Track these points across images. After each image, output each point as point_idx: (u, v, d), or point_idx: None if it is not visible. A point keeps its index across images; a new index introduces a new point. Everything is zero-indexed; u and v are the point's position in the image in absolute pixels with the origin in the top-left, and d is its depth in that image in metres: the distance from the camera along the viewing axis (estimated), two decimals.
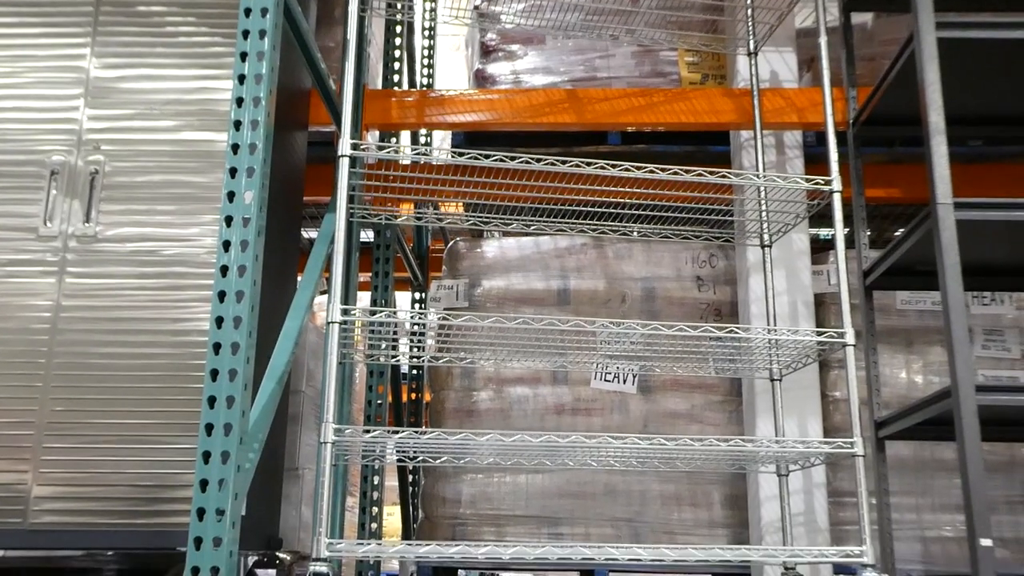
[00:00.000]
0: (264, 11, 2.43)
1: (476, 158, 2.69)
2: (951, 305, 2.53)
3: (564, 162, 2.71)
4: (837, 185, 2.83)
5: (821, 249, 3.92)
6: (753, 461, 2.97)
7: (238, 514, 2.18)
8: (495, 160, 2.69)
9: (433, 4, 4.89)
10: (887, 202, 4.10)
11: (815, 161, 3.84)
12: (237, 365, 2.22)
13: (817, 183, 2.83)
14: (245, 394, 2.24)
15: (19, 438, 2.65)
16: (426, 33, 4.80)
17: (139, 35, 2.90)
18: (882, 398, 3.63)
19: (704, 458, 2.80)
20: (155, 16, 2.91)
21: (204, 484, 2.14)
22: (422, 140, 4.87)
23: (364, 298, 5.70)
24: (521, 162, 2.70)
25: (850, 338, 2.71)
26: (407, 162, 4.00)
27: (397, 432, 2.50)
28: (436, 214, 3.33)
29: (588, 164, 2.71)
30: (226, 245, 2.29)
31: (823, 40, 2.96)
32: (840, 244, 2.80)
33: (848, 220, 4.47)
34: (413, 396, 4.96)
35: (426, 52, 4.90)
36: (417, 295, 4.99)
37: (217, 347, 2.23)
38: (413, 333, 3.10)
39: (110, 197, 2.79)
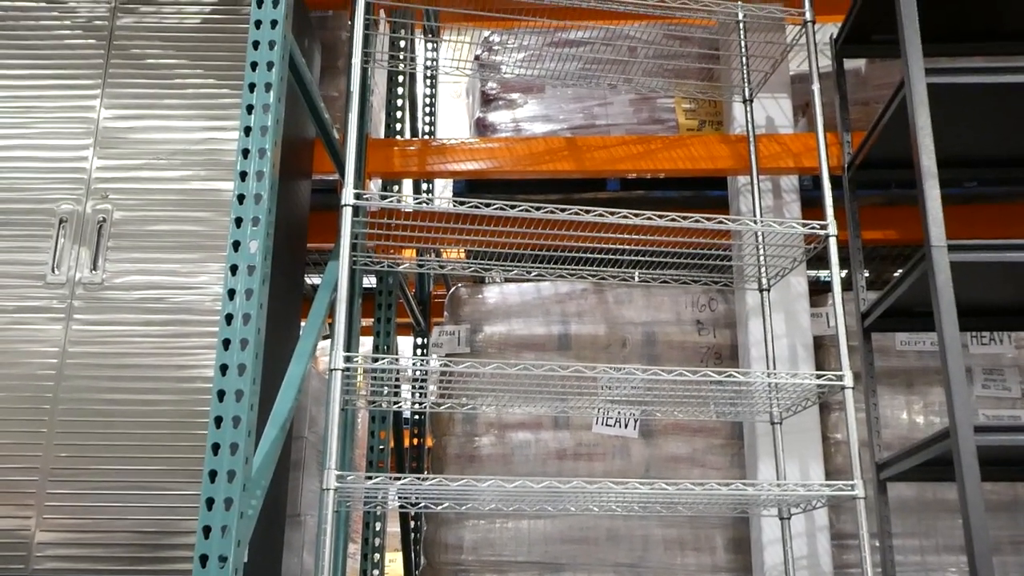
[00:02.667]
0: (270, 64, 2.50)
1: (477, 207, 2.74)
2: (948, 346, 2.56)
3: (563, 210, 2.76)
4: (833, 229, 2.87)
5: (821, 291, 3.95)
6: (755, 505, 2.98)
7: (240, 561, 2.19)
8: (495, 208, 2.74)
9: (435, 55, 4.98)
10: (885, 243, 4.14)
11: (812, 204, 3.88)
12: (241, 412, 2.24)
13: (813, 228, 2.87)
14: (248, 441, 2.26)
15: (23, 484, 2.66)
16: (428, 82, 4.88)
17: (148, 85, 2.97)
18: (883, 439, 3.64)
19: (706, 503, 2.80)
20: (164, 67, 2.97)
21: (207, 531, 2.16)
22: (424, 187, 4.93)
23: (366, 343, 5.72)
24: (521, 210, 2.74)
25: (848, 381, 2.73)
26: (409, 210, 4.05)
27: (399, 479, 2.52)
28: (438, 261, 3.37)
29: (587, 212, 2.76)
30: (231, 294, 2.33)
31: (816, 87, 3.02)
32: (837, 288, 2.84)
33: (846, 262, 4.51)
34: (415, 441, 4.97)
35: (428, 101, 4.97)
36: (419, 340, 5.01)
37: (221, 394, 2.26)
38: (415, 379, 3.12)
39: (118, 245, 2.84)
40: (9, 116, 2.95)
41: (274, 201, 2.45)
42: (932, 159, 2.71)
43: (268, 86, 2.48)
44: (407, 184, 4.87)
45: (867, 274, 4.95)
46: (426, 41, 4.96)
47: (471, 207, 2.74)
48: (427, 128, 4.96)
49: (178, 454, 2.66)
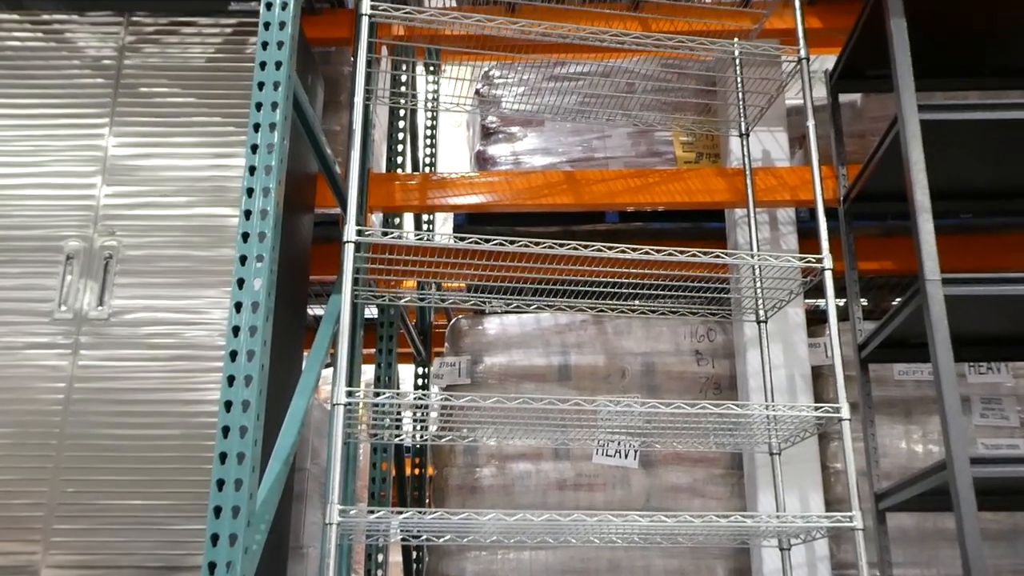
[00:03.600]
0: (274, 105, 2.55)
1: (476, 242, 2.78)
2: (943, 379, 2.59)
3: (561, 245, 2.80)
4: (828, 263, 2.91)
5: (819, 321, 3.98)
6: (755, 536, 3.00)
7: None
8: (494, 244, 2.78)
9: (436, 88, 5.04)
10: (882, 274, 4.18)
11: (810, 236, 3.92)
12: (246, 448, 2.27)
13: (809, 261, 2.91)
14: (253, 476, 2.29)
15: (30, 518, 2.68)
16: (428, 116, 4.94)
17: (155, 122, 3.01)
18: (882, 468, 3.66)
19: (705, 534, 2.82)
20: (171, 104, 3.02)
21: (212, 567, 2.18)
22: (425, 220, 4.98)
23: (368, 371, 5.74)
24: (520, 246, 2.78)
25: (845, 412, 2.76)
26: (410, 244, 4.09)
27: (401, 512, 2.54)
28: (439, 294, 3.41)
29: (585, 247, 2.80)
30: (235, 331, 2.36)
31: (811, 123, 3.07)
32: (833, 320, 2.87)
33: (843, 293, 4.55)
34: (417, 472, 4.98)
35: (429, 134, 5.03)
36: (420, 370, 5.04)
37: (226, 431, 2.29)
38: (417, 408, 3.15)
39: (124, 278, 2.87)
40: (18, 152, 3.00)
41: (278, 238, 2.49)
42: (926, 194, 2.75)
43: (272, 126, 2.53)
44: (408, 217, 4.92)
45: (865, 303, 4.98)
46: (428, 74, 5.03)
47: (471, 243, 2.79)
48: (428, 161, 5.02)
49: (184, 488, 2.68)
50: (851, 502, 2.69)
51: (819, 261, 2.92)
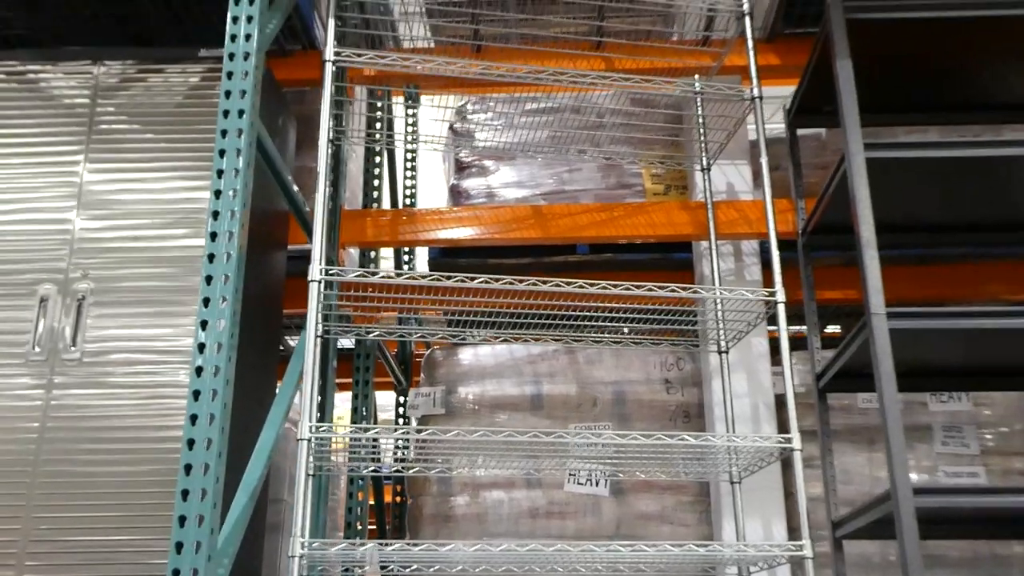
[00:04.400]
0: (238, 152, 2.65)
1: (438, 279, 2.87)
2: (887, 410, 2.66)
3: (521, 281, 2.89)
4: (781, 296, 3.00)
5: (791, 348, 4.06)
6: (708, 564, 3.07)
7: None
8: (456, 281, 2.87)
9: (415, 122, 5.14)
10: (844, 303, 4.26)
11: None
12: (207, 485, 2.36)
13: (762, 295, 2.99)
14: (215, 512, 2.37)
15: (4, 554, 2.75)
16: (408, 155, 5.05)
17: (127, 159, 3.11)
18: (847, 496, 3.73)
19: (661, 561, 2.90)
20: (143, 143, 3.12)
21: None
22: (406, 251, 5.07)
23: (347, 399, 5.83)
24: (481, 282, 2.87)
25: (797, 443, 2.84)
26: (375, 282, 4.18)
27: (363, 545, 2.62)
28: (406, 328, 3.49)
29: (544, 282, 2.89)
30: (199, 371, 2.45)
31: (764, 159, 3.17)
32: (785, 351, 2.95)
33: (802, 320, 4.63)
34: (398, 499, 5.05)
35: (409, 167, 5.13)
36: (402, 399, 5.12)
37: (188, 468, 2.37)
38: (381, 441, 3.23)
39: (98, 314, 2.96)
40: None
41: (242, 270, 2.58)
42: (871, 230, 2.84)
43: (236, 171, 2.63)
44: (387, 251, 5.02)
45: (838, 329, 5.07)
46: (406, 107, 5.14)
47: (432, 280, 2.88)
48: (409, 193, 5.12)
49: (156, 524, 2.75)
50: (801, 531, 2.76)
51: (772, 295, 3.01)
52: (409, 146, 4.82)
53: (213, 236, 2.56)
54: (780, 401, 3.92)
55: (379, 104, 4.29)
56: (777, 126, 3.99)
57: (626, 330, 3.75)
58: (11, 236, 3.07)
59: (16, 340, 2.96)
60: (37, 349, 2.95)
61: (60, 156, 3.15)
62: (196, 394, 2.43)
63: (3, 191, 3.12)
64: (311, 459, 2.96)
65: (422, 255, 5.55)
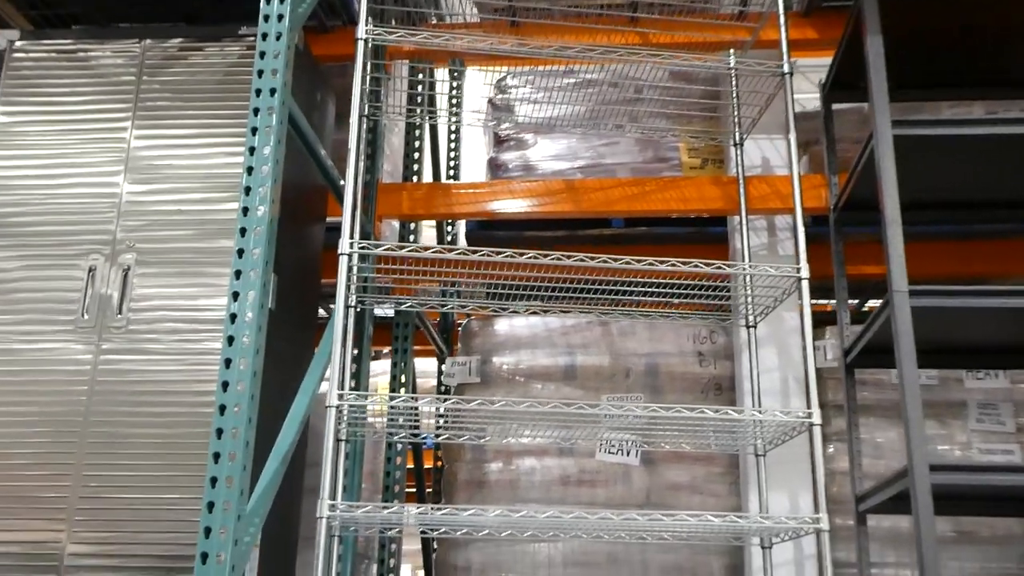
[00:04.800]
0: (269, 129, 2.74)
1: (464, 253, 2.94)
2: (906, 388, 2.68)
3: (546, 255, 2.95)
4: (805, 272, 3.01)
5: (821, 323, 4.06)
6: (735, 535, 3.12)
7: None
8: (482, 255, 2.94)
9: (458, 94, 5.20)
10: (879, 278, 4.22)
11: (811, 240, 3.99)
12: (237, 448, 2.48)
13: (786, 271, 3.01)
14: (244, 474, 2.49)
15: (56, 508, 2.92)
16: (451, 129, 5.11)
17: (172, 127, 3.24)
18: (875, 471, 3.73)
19: (677, 531, 2.96)
20: (185, 117, 3.25)
21: (204, 557, 2.39)
22: (449, 224, 5.16)
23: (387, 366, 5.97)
24: (506, 256, 2.94)
25: (816, 418, 2.86)
26: (397, 256, 4.26)
27: (388, 507, 2.73)
28: (442, 300, 3.58)
29: (568, 257, 2.94)
30: (230, 340, 2.57)
31: (792, 136, 3.16)
32: (808, 328, 2.97)
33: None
34: (439, 464, 5.17)
35: (452, 140, 5.20)
36: (443, 367, 5.23)
37: (220, 432, 2.50)
38: (415, 410, 3.32)
39: (143, 273, 3.10)
40: (48, 162, 3.26)
41: (272, 244, 2.69)
42: (896, 207, 2.84)
43: (267, 149, 2.73)
44: (429, 223, 5.11)
45: (877, 303, 5.02)
46: (451, 81, 5.20)
47: (459, 253, 2.95)
48: (452, 165, 5.19)
49: (196, 483, 2.90)
50: (818, 504, 2.79)
51: (797, 271, 3.02)
52: (446, 120, 4.88)
53: (245, 211, 2.66)
54: (817, 374, 3.92)
55: (420, 79, 4.36)
56: (815, 95, 3.96)
57: (656, 302, 3.77)
58: (63, 202, 3.22)
59: (67, 308, 3.12)
60: (86, 316, 3.11)
61: (108, 125, 3.29)
62: (227, 362, 2.55)
63: (56, 161, 3.27)
64: (342, 425, 3.08)
65: (463, 226, 5.63)
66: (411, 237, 4.49)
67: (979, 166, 3.12)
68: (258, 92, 2.75)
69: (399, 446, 4.11)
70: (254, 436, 2.56)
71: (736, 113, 3.66)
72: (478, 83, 5.25)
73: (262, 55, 2.78)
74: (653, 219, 4.23)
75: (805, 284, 3.01)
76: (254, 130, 2.73)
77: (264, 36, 2.80)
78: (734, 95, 3.66)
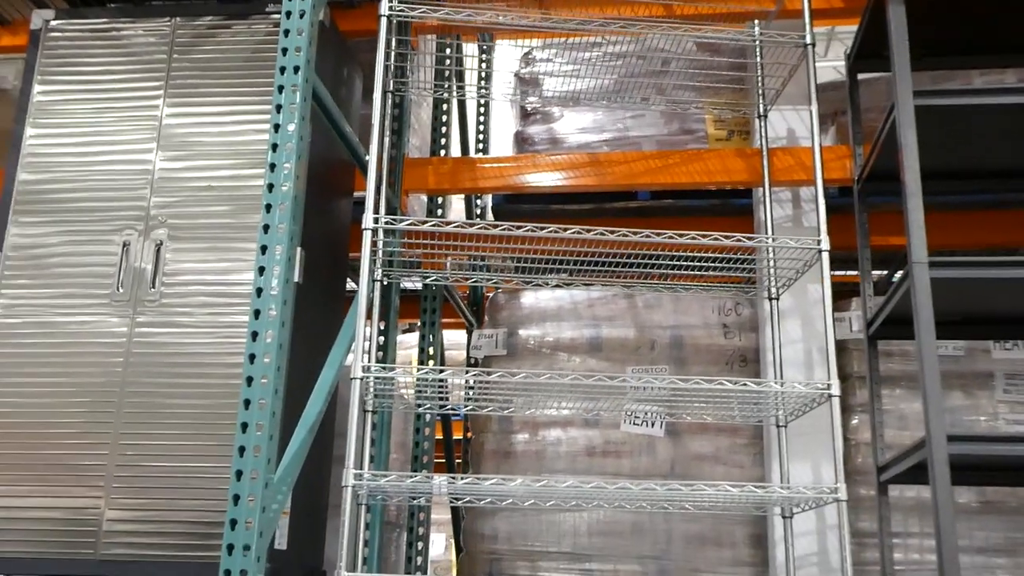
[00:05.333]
0: (293, 107, 2.80)
1: (485, 227, 2.98)
2: (924, 358, 2.69)
3: (566, 229, 2.98)
4: (825, 245, 3.01)
5: (844, 295, 4.06)
6: (756, 504, 3.15)
7: (263, 550, 2.51)
8: (503, 229, 2.98)
9: (487, 68, 5.22)
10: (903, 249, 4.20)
11: (838, 211, 3.98)
12: (264, 419, 2.56)
13: (806, 244, 3.02)
14: (271, 444, 2.57)
15: (95, 476, 3.03)
16: (480, 103, 5.14)
17: (203, 102, 3.31)
18: (898, 441, 3.74)
19: (702, 502, 3.00)
20: (214, 92, 3.31)
21: (233, 523, 2.48)
22: (476, 198, 5.20)
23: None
24: (527, 230, 2.98)
25: (835, 389, 2.88)
26: (421, 231, 4.31)
27: (412, 477, 2.80)
28: (466, 274, 3.63)
29: (588, 231, 2.98)
30: (256, 313, 2.64)
31: (814, 108, 3.16)
32: (828, 299, 2.99)
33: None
34: (469, 435, 5.25)
35: (480, 119, 5.22)
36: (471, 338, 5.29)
37: (247, 403, 2.57)
38: (440, 382, 3.39)
39: (175, 262, 3.19)
40: (78, 139, 3.35)
41: (298, 219, 2.75)
42: (917, 179, 2.83)
43: (292, 126, 2.79)
44: (458, 196, 5.15)
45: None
46: (480, 55, 5.22)
47: (481, 228, 2.99)
48: (480, 139, 5.22)
49: (226, 451, 2.98)
50: (837, 474, 2.82)
51: (817, 243, 3.03)
52: (473, 95, 4.91)
53: (270, 187, 2.73)
54: (839, 347, 3.93)
55: (447, 53, 4.38)
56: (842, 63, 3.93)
57: (682, 274, 3.79)
58: (98, 177, 3.31)
59: (103, 282, 3.21)
60: (121, 289, 3.20)
61: (141, 102, 3.37)
62: (254, 335, 2.62)
63: (91, 137, 3.36)
64: (368, 396, 3.16)
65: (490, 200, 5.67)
66: (439, 211, 4.54)
67: (1004, 135, 3.10)
68: (282, 70, 2.80)
69: (427, 417, 4.18)
70: (281, 407, 2.64)
71: (760, 84, 3.65)
72: (508, 57, 5.27)
73: (286, 33, 2.83)
74: (678, 191, 4.24)
75: (825, 256, 3.02)
76: (278, 107, 2.79)
77: (288, 14, 2.85)
78: (758, 66, 3.65)
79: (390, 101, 3.61)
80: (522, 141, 4.50)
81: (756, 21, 3.58)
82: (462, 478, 2.82)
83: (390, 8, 3.11)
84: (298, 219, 2.77)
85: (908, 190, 2.82)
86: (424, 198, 4.65)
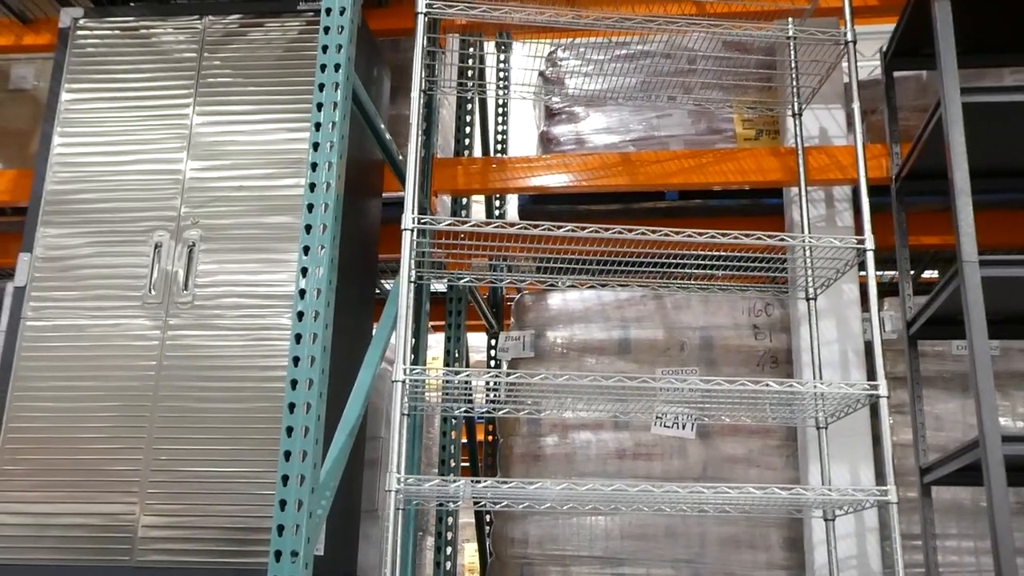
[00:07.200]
0: (334, 105, 2.75)
1: (526, 228, 2.94)
2: (977, 360, 2.65)
3: (607, 229, 2.94)
4: (870, 244, 2.98)
5: (881, 295, 4.01)
6: (800, 507, 3.11)
7: (311, 556, 2.46)
8: (543, 229, 2.94)
9: (506, 68, 5.18)
10: (943, 248, 4.17)
11: (871, 211, 3.95)
12: (309, 423, 2.51)
13: (850, 243, 2.98)
14: (316, 448, 2.52)
15: (129, 482, 2.98)
16: (501, 103, 5.09)
17: (233, 105, 3.27)
18: (936, 443, 3.70)
19: (745, 505, 2.96)
20: (246, 93, 3.27)
21: (280, 529, 2.43)
22: (497, 199, 5.16)
23: (441, 340, 6.01)
24: (567, 231, 2.94)
25: (883, 390, 2.85)
26: (463, 231, 4.27)
27: (454, 482, 2.75)
28: (498, 275, 3.59)
29: (630, 231, 2.94)
30: (300, 315, 2.60)
31: (856, 106, 3.12)
32: (873, 300, 2.95)
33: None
34: (491, 438, 5.21)
35: (501, 114, 5.18)
36: (493, 341, 5.25)
37: (292, 407, 2.53)
38: (469, 383, 3.34)
39: (207, 265, 3.14)
40: (115, 141, 3.30)
41: (339, 219, 2.71)
42: (966, 178, 2.80)
43: (333, 124, 2.74)
44: (481, 197, 5.11)
45: (936, 274, 4.97)
46: (498, 54, 5.18)
47: (521, 228, 2.95)
48: (500, 139, 5.18)
49: (263, 457, 2.94)
50: (886, 476, 2.78)
51: (861, 243, 2.99)
52: (500, 93, 4.87)
53: (312, 187, 2.68)
54: (870, 347, 3.90)
55: (471, 52, 4.34)
56: (873, 63, 3.91)
57: (718, 275, 3.76)
58: (128, 181, 3.26)
59: (134, 284, 3.17)
60: (153, 292, 3.16)
61: (171, 104, 3.32)
62: (298, 337, 2.58)
63: (120, 140, 3.31)
64: (406, 399, 3.11)
65: (513, 201, 5.63)
66: (462, 212, 4.50)
67: None
68: (323, 67, 2.76)
69: (453, 420, 4.14)
70: (324, 410, 2.60)
71: (795, 83, 3.61)
72: (525, 56, 5.23)
73: (326, 30, 2.78)
74: (707, 191, 4.20)
75: (870, 255, 2.98)
76: (319, 105, 2.75)
77: (328, 11, 2.81)
78: (793, 64, 3.62)
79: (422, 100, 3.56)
80: (547, 141, 4.46)
81: (790, 19, 3.54)
82: (504, 482, 2.78)
83: (427, 6, 3.07)
84: (339, 219, 2.73)
85: (957, 188, 2.79)
86: (447, 199, 4.60)
